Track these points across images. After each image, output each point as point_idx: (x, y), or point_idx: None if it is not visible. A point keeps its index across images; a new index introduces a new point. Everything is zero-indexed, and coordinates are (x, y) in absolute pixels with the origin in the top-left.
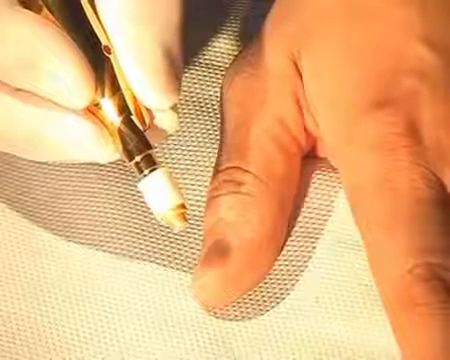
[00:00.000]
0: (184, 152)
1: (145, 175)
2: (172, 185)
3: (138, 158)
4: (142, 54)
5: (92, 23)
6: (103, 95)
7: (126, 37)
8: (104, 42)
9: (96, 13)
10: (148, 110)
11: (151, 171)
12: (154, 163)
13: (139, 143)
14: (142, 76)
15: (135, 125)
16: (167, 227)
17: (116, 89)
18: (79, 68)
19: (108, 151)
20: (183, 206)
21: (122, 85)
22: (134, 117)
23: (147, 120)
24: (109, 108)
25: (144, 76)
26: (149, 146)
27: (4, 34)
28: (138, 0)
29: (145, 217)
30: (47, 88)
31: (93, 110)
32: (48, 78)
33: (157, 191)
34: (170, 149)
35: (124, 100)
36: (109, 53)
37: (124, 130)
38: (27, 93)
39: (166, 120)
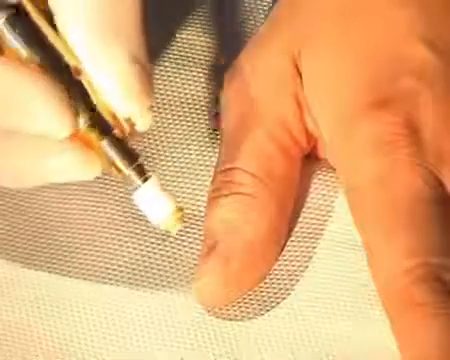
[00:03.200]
0: (184, 152)
1: (138, 185)
2: (166, 191)
3: (128, 171)
4: (111, 67)
5: (57, 47)
6: (83, 116)
7: (93, 53)
8: (72, 63)
9: (59, 35)
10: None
11: (143, 181)
12: (144, 173)
13: (126, 156)
14: (115, 89)
15: (119, 140)
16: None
17: (93, 108)
18: (56, 102)
19: (95, 171)
20: (179, 209)
21: (97, 101)
22: (116, 131)
23: (128, 128)
24: (90, 128)
25: (117, 88)
26: (136, 156)
27: None
28: (99, 14)
29: (143, 218)
30: (28, 127)
31: (76, 132)
32: (26, 118)
33: (153, 200)
34: (170, 148)
35: (102, 117)
36: (79, 74)
37: (110, 146)
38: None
39: (142, 121)
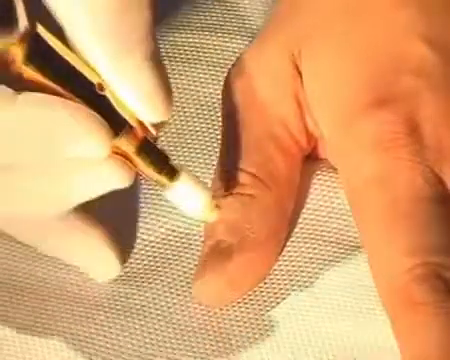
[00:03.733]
0: (184, 151)
1: (172, 185)
2: (199, 183)
3: (162, 172)
4: (133, 76)
5: (78, 67)
6: (115, 130)
7: (114, 66)
8: (96, 80)
9: (78, 55)
10: None
11: (176, 179)
12: (176, 170)
13: (158, 159)
14: (140, 100)
15: (149, 144)
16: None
17: (122, 121)
18: (94, 126)
19: (131, 178)
20: (213, 197)
21: (123, 111)
22: (144, 135)
23: (154, 132)
24: (122, 139)
25: (142, 100)
26: (167, 157)
27: (15, 122)
28: (115, 26)
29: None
30: (71, 153)
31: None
32: (70, 145)
33: (189, 195)
34: (170, 148)
35: (132, 127)
36: (103, 90)
37: (141, 153)
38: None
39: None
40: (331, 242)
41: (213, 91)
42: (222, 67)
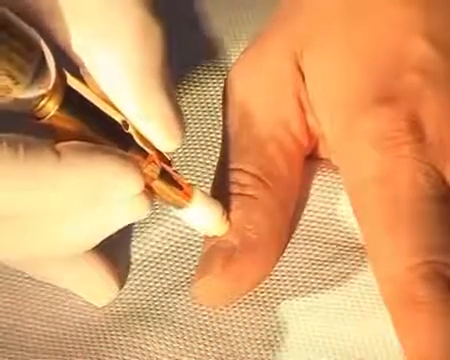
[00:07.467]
0: (185, 151)
1: (189, 204)
2: (211, 199)
3: (181, 193)
4: (156, 113)
5: (104, 108)
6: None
7: (139, 104)
8: (120, 118)
9: (102, 96)
10: None
11: (192, 197)
12: (191, 189)
13: (176, 187)
14: (160, 132)
15: (167, 173)
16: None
17: (145, 154)
18: (130, 167)
19: (150, 208)
20: (224, 212)
21: (142, 142)
22: (160, 159)
23: (169, 157)
24: (147, 169)
25: (162, 131)
26: (181, 184)
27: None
28: (131, 68)
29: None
30: (110, 197)
31: None
32: (108, 192)
33: (203, 212)
34: None
35: (153, 159)
36: (127, 128)
37: (163, 177)
38: None
39: None
40: (332, 243)
41: (214, 92)
42: (223, 68)
